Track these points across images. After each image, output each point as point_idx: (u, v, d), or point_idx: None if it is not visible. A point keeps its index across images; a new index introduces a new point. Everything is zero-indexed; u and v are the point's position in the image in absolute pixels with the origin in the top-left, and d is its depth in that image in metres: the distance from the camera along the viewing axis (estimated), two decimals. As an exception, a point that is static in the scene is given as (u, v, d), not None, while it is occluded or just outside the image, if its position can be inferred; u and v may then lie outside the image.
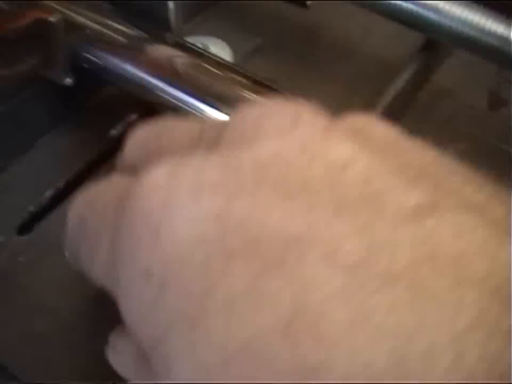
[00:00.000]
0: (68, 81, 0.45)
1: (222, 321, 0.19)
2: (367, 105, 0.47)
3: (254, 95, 0.40)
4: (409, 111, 0.50)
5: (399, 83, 0.47)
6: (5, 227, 0.42)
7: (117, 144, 0.47)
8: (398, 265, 0.19)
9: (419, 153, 0.24)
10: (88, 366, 0.36)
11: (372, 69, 0.52)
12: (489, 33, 0.44)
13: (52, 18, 0.42)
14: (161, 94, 0.42)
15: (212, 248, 0.20)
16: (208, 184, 0.21)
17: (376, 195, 0.20)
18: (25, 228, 0.43)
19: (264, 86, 0.41)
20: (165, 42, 0.42)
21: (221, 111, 0.40)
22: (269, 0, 0.58)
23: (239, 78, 0.41)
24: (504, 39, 0.44)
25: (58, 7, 0.43)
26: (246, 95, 0.40)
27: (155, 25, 0.44)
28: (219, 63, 0.42)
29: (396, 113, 0.48)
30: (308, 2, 0.56)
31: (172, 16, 0.43)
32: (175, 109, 0.42)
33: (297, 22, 0.57)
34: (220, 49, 0.52)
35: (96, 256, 0.26)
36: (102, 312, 0.34)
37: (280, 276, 0.19)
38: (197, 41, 0.51)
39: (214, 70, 0.41)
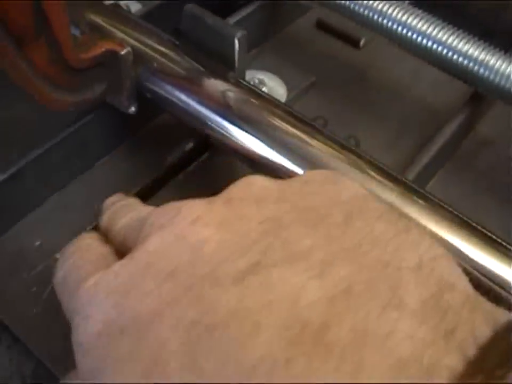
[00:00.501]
0: (132, 110, 0.47)
1: None
2: (413, 150, 0.49)
3: (299, 133, 0.42)
4: (452, 158, 0.52)
5: (447, 131, 0.48)
6: (63, 245, 0.45)
7: (172, 171, 0.49)
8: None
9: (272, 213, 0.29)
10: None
11: (419, 114, 0.54)
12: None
13: (122, 51, 0.44)
14: (215, 126, 0.44)
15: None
16: (108, 288, 0.29)
17: (214, 269, 0.27)
18: (82, 246, 0.45)
19: (309, 126, 0.43)
20: (224, 79, 0.44)
21: (270, 147, 0.42)
22: (322, 38, 0.60)
23: (289, 118, 0.43)
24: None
25: (128, 39, 0.46)
26: (292, 132, 0.42)
27: (218, 61, 0.46)
28: (271, 102, 0.44)
29: (440, 160, 0.50)
30: (361, 43, 0.58)
31: (236, 55, 0.45)
32: (225, 140, 0.44)
33: (349, 61, 0.59)
34: (276, 85, 0.54)
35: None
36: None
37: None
38: (254, 75, 0.54)
39: (266, 109, 0.43)
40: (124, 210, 0.36)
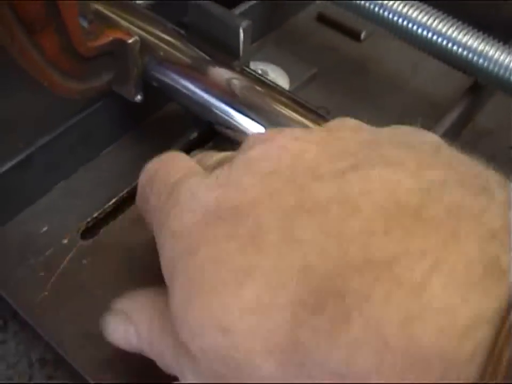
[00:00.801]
0: (138, 98, 0.48)
1: None
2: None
3: (304, 120, 0.43)
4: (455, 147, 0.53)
5: (447, 122, 0.49)
6: (70, 231, 0.45)
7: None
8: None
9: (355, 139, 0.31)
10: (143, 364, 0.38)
11: (419, 105, 0.55)
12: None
13: (129, 40, 0.45)
14: (220, 114, 0.45)
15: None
16: (209, 185, 0.31)
17: (315, 168, 0.29)
18: (89, 232, 0.46)
19: (313, 113, 0.43)
20: (229, 67, 0.45)
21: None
22: (323, 31, 0.61)
23: (294, 105, 0.44)
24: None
25: (135, 28, 0.46)
26: (297, 119, 0.43)
27: (224, 50, 0.46)
28: (276, 90, 0.45)
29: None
30: (361, 36, 0.59)
31: (241, 44, 0.46)
32: (231, 128, 0.45)
33: (350, 54, 0.60)
34: (279, 76, 0.54)
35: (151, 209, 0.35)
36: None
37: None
38: (257, 67, 0.55)
39: (271, 96, 0.44)
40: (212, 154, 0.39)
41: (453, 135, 0.52)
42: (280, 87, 0.46)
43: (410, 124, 0.52)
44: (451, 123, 0.49)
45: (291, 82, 0.55)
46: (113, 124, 0.50)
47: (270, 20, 0.60)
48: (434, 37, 0.50)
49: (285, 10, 0.62)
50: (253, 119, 0.43)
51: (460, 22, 0.50)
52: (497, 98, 0.57)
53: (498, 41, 0.49)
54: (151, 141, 0.51)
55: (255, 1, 0.57)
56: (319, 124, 0.42)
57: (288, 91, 0.46)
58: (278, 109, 0.44)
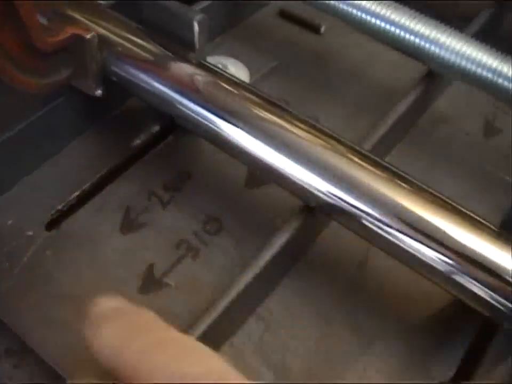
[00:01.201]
0: (98, 92, 0.49)
1: None
2: (370, 127, 0.51)
3: (265, 112, 0.44)
4: (408, 135, 0.54)
5: (401, 108, 0.50)
6: (34, 223, 0.46)
7: (138, 153, 0.51)
8: None
9: None
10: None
11: (376, 93, 0.56)
12: (485, 66, 0.48)
13: (87, 35, 0.46)
14: (180, 107, 0.46)
15: None
16: None
17: None
18: (52, 224, 0.47)
19: (274, 105, 0.44)
20: (188, 61, 0.46)
21: (235, 125, 0.44)
22: (284, 26, 0.62)
23: (253, 97, 0.45)
24: (498, 73, 0.48)
25: (93, 25, 0.48)
26: (258, 112, 0.44)
27: (181, 45, 0.47)
28: (235, 82, 0.46)
29: (396, 136, 0.52)
30: (321, 30, 0.60)
31: (196, 38, 0.47)
32: (191, 121, 0.46)
33: (310, 47, 0.61)
34: (239, 69, 0.56)
35: None
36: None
37: None
38: (217, 61, 0.56)
39: (230, 88, 0.45)
40: None
41: (409, 122, 0.54)
42: (240, 80, 0.47)
43: (367, 112, 0.54)
44: (405, 109, 0.50)
45: (251, 75, 0.56)
46: (76, 119, 0.51)
47: (231, 16, 0.61)
48: (387, 26, 0.51)
49: (247, 7, 0.63)
50: (212, 113, 0.44)
51: (412, 10, 0.51)
52: (455, 86, 0.58)
53: (452, 28, 0.51)
54: (114, 134, 0.52)
55: (217, -1, 0.58)
56: (278, 116, 0.43)
57: (248, 84, 0.47)
58: (238, 101, 0.44)
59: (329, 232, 0.47)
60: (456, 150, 0.54)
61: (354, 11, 0.52)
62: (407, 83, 0.53)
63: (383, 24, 0.51)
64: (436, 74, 0.53)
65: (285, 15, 0.61)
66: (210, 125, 0.45)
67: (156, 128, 0.52)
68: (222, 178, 0.50)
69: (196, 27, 0.46)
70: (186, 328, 0.37)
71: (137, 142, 0.52)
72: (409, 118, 0.53)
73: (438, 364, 0.42)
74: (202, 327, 0.38)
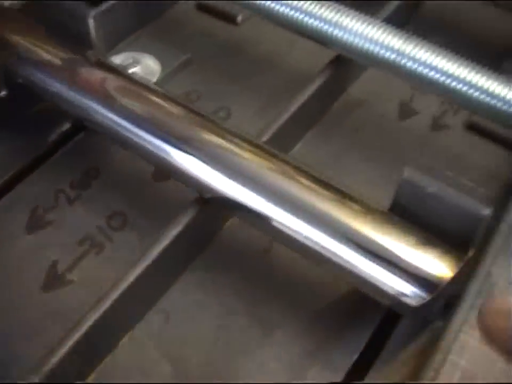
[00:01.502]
0: (3, 93, 0.49)
1: None
2: (280, 113, 0.51)
3: (171, 111, 0.44)
4: (322, 120, 0.54)
5: (303, 97, 0.50)
6: None
7: (48, 152, 0.51)
8: None
9: None
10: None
11: (291, 82, 0.56)
12: (388, 47, 0.48)
13: (-16, 37, 0.46)
14: (79, 105, 0.46)
15: None
16: None
17: None
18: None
19: (180, 104, 0.44)
20: (87, 61, 0.46)
21: (140, 128, 0.44)
22: (201, 19, 0.62)
23: (155, 97, 0.45)
24: (401, 53, 0.48)
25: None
26: (154, 109, 0.44)
27: (80, 44, 0.48)
28: (135, 81, 0.46)
29: (304, 123, 0.52)
30: (238, 20, 0.60)
31: (93, 34, 0.47)
32: (94, 123, 0.46)
33: (227, 38, 0.61)
34: (150, 63, 0.56)
35: None
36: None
37: None
38: (129, 56, 0.56)
39: (129, 87, 0.45)
40: None
41: (318, 108, 0.54)
42: (144, 79, 0.47)
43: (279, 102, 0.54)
44: (308, 97, 0.50)
45: (163, 68, 0.56)
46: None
47: (147, 11, 0.61)
48: (292, 12, 0.51)
49: (163, 1, 0.63)
50: (108, 110, 0.44)
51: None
52: (372, 70, 0.58)
53: (361, 14, 0.51)
54: (25, 133, 0.52)
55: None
56: (187, 110, 0.43)
57: (149, 83, 0.47)
58: (142, 101, 0.45)
59: (234, 221, 0.47)
60: (369, 134, 0.54)
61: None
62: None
63: (286, 10, 0.51)
64: (345, 59, 0.52)
65: (202, 8, 0.61)
66: (116, 128, 0.45)
67: (67, 126, 0.52)
68: (130, 174, 0.50)
69: (91, 23, 0.47)
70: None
71: (48, 140, 0.52)
72: (319, 104, 0.53)
73: (340, 350, 0.42)
74: (89, 323, 0.38)
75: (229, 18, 0.60)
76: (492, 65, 0.49)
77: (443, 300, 0.36)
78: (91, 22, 0.46)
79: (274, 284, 0.44)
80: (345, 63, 0.53)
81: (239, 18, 0.60)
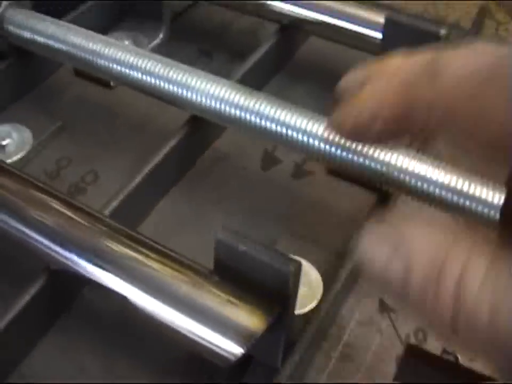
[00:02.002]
0: None
1: None
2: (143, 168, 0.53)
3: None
4: (186, 177, 0.57)
5: (162, 152, 0.54)
6: None
7: None
8: None
9: None
10: None
11: (159, 141, 0.58)
12: (234, 105, 0.51)
13: None
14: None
15: None
16: None
17: None
18: None
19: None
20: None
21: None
22: (78, 84, 0.64)
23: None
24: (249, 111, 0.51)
25: None
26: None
27: None
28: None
29: (166, 182, 0.55)
30: (111, 83, 0.63)
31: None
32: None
33: (101, 102, 0.64)
34: (21, 134, 0.58)
35: None
36: None
37: None
38: (1, 129, 0.58)
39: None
40: None
41: (186, 161, 0.57)
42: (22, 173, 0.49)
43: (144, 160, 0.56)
44: (164, 156, 0.54)
45: (35, 137, 0.58)
46: None
47: (25, 81, 0.64)
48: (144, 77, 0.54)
49: (42, 70, 0.65)
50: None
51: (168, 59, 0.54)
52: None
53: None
54: None
55: (2, 67, 0.61)
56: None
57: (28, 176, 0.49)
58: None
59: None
60: (233, 188, 0.56)
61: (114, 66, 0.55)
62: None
63: (139, 75, 0.54)
64: (200, 118, 0.55)
65: (79, 73, 0.64)
66: None
67: None
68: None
69: None
70: None
71: None
72: (185, 159, 0.56)
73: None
74: None
75: (103, 83, 0.63)
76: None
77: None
78: None
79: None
80: (200, 123, 0.56)
81: (113, 82, 0.62)
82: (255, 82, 0.62)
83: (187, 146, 0.56)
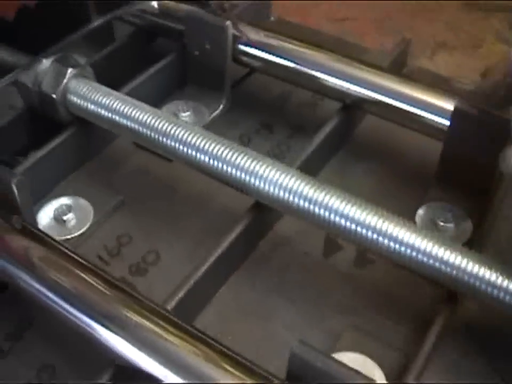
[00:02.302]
0: None
1: None
2: (208, 255, 0.53)
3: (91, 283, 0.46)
4: (248, 260, 0.56)
5: (225, 244, 0.53)
6: None
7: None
8: None
9: None
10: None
11: (220, 223, 0.58)
12: (301, 196, 0.51)
13: None
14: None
15: None
16: None
17: None
18: None
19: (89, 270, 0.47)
20: (11, 227, 0.49)
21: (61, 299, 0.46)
22: (138, 155, 0.64)
23: (67, 264, 0.47)
24: (314, 201, 0.50)
25: None
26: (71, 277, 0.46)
27: (7, 208, 0.50)
28: (53, 246, 0.48)
29: (229, 268, 0.54)
30: (172, 156, 0.62)
31: (18, 200, 0.49)
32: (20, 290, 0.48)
33: (161, 175, 0.63)
34: (83, 208, 0.58)
35: None
36: None
37: None
38: (62, 203, 0.58)
39: (48, 255, 0.48)
40: None
41: (249, 246, 0.56)
42: (59, 243, 0.49)
43: (207, 243, 0.56)
44: (230, 244, 0.53)
45: (96, 212, 0.58)
46: None
47: (83, 152, 0.63)
48: (214, 162, 0.54)
49: (101, 139, 0.65)
50: (31, 277, 0.47)
51: (236, 145, 0.54)
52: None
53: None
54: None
55: (62, 138, 0.61)
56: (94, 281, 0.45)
57: (64, 246, 0.48)
58: (53, 268, 0.47)
59: None
60: (294, 274, 0.55)
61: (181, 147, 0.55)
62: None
63: (209, 161, 0.54)
64: (264, 205, 0.55)
65: (138, 144, 0.63)
66: (26, 286, 0.47)
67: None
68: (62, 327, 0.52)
69: (15, 190, 0.49)
70: None
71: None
72: (248, 243, 0.56)
73: None
74: None
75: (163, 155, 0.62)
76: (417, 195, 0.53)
77: None
78: (14, 188, 0.49)
79: None
80: (264, 208, 0.55)
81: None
82: (318, 162, 0.62)
83: (251, 231, 0.55)
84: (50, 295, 0.46)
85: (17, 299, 0.53)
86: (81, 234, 0.57)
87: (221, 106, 0.68)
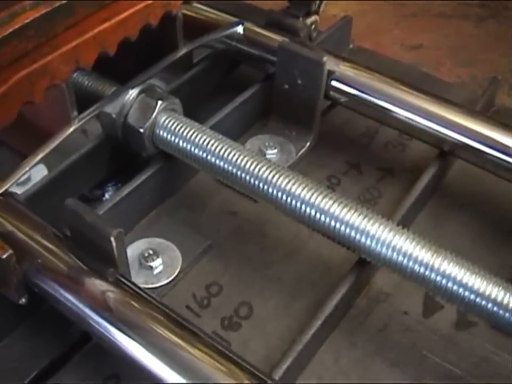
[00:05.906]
0: (22, 301, 0.48)
1: None
2: (304, 316, 0.50)
3: (176, 338, 0.43)
4: (346, 318, 0.53)
5: (338, 294, 0.50)
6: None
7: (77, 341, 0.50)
8: None
9: None
10: None
11: (314, 271, 0.55)
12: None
13: (3, 255, 0.46)
14: (93, 323, 0.46)
15: None
16: None
17: None
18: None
19: (187, 330, 0.44)
20: (104, 278, 0.46)
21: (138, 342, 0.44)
22: (221, 192, 0.61)
23: (159, 316, 0.44)
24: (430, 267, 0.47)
25: (17, 232, 0.48)
26: (169, 337, 0.44)
27: (102, 258, 0.47)
28: (146, 300, 0.45)
29: (331, 328, 0.52)
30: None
31: (116, 253, 0.46)
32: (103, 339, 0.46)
33: (248, 216, 0.60)
34: (171, 254, 0.55)
35: None
36: None
37: None
38: (147, 246, 0.55)
39: (140, 307, 0.45)
40: None
41: (350, 304, 0.53)
42: (155, 299, 0.46)
43: (302, 297, 0.53)
44: (341, 296, 0.50)
45: (184, 258, 0.55)
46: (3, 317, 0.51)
47: (166, 188, 0.60)
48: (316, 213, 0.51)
49: (182, 175, 0.62)
50: (125, 333, 0.44)
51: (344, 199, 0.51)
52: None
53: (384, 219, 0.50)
54: (45, 331, 0.51)
55: (147, 174, 0.58)
56: (192, 344, 0.43)
57: (162, 304, 0.46)
58: (149, 324, 0.44)
59: None
60: (394, 332, 0.52)
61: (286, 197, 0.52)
62: (344, 259, 0.53)
63: (312, 212, 0.51)
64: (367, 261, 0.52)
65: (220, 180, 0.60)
66: (118, 343, 0.45)
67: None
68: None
69: (114, 243, 0.46)
70: None
71: (68, 339, 0.51)
72: (350, 298, 0.53)
73: None
74: None
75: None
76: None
77: None
78: (113, 241, 0.46)
79: None
80: (367, 264, 0.52)
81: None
82: (413, 212, 0.59)
83: (354, 290, 0.52)
84: (144, 352, 0.43)
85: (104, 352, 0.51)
86: (169, 282, 0.54)
87: (308, 143, 0.65)
